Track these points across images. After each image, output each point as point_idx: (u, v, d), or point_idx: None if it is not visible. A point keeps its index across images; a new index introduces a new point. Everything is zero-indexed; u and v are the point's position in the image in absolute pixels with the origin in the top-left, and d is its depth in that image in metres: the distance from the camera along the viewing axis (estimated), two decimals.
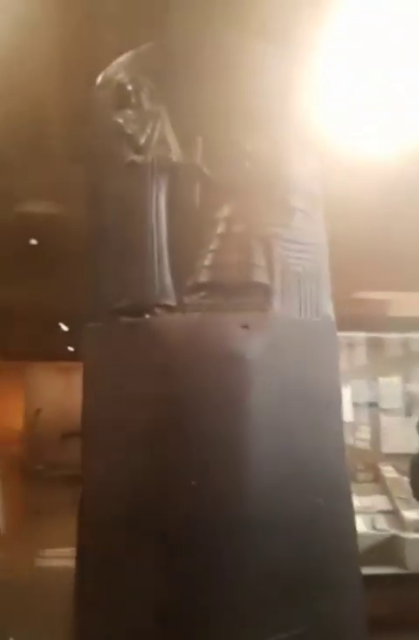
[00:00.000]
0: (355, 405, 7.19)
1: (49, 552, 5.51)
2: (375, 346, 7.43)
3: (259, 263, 1.70)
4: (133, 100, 1.67)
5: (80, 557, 1.70)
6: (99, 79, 1.78)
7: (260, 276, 1.69)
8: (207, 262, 1.67)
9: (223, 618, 1.55)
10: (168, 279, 1.66)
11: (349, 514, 1.80)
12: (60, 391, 12.21)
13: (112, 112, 1.69)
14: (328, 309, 1.80)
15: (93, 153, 1.77)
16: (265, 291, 1.68)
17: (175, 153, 1.67)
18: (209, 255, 1.68)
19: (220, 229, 1.69)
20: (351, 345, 7.75)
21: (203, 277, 1.67)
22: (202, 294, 1.66)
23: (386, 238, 5.05)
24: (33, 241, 5.92)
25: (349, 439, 6.98)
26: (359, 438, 6.96)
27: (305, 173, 1.81)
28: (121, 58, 1.75)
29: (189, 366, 1.61)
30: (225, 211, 1.70)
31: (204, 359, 1.61)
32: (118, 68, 1.74)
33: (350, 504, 1.83)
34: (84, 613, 1.67)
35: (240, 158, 1.71)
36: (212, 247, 1.68)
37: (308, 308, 1.74)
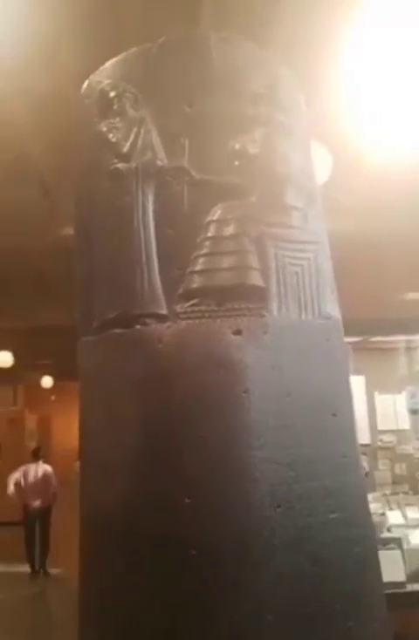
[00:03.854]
0: (416, 411, 6.85)
1: None
2: None
3: (254, 266, 1.61)
4: (115, 107, 1.64)
5: (82, 575, 1.66)
6: (84, 87, 1.76)
7: (255, 279, 1.61)
8: (198, 268, 1.61)
9: None
10: (158, 287, 1.60)
11: (366, 525, 1.67)
12: None
13: (96, 121, 1.66)
14: (332, 309, 1.69)
15: (79, 162, 1.75)
16: (261, 294, 1.60)
17: (161, 158, 1.62)
18: (201, 260, 1.61)
19: (211, 233, 1.62)
20: (408, 349, 7.42)
21: (195, 283, 1.60)
22: (195, 301, 1.59)
23: None
24: None
25: (407, 449, 6.67)
26: (418, 447, 6.62)
27: (301, 169, 1.72)
28: (105, 65, 1.73)
29: (182, 376, 1.55)
30: (216, 213, 1.63)
31: (196, 368, 1.55)
32: (101, 75, 1.72)
33: (368, 515, 1.70)
34: (84, 629, 1.63)
35: (229, 157, 1.64)
36: (203, 251, 1.61)
37: (309, 309, 1.64)
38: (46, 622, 5.95)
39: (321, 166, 3.48)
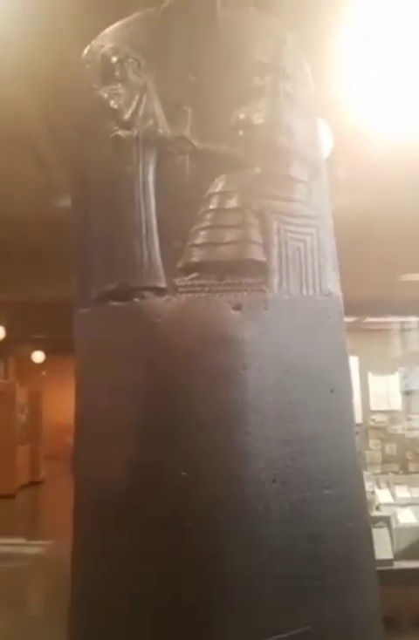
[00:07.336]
0: (408, 393, 6.88)
1: None
2: None
3: (255, 240, 1.59)
4: (117, 73, 1.59)
5: (74, 550, 1.65)
6: (85, 53, 1.71)
7: (256, 254, 1.58)
8: (199, 241, 1.58)
9: (221, 615, 1.47)
10: (157, 260, 1.58)
11: (360, 501, 1.67)
12: None
13: (96, 87, 1.62)
14: (333, 286, 1.67)
15: (78, 129, 1.71)
16: (262, 269, 1.58)
17: (163, 126, 1.58)
18: (202, 233, 1.58)
19: (213, 205, 1.59)
20: (401, 331, 7.44)
21: (195, 257, 1.57)
22: (194, 274, 1.57)
23: None
24: None
25: (398, 429, 6.72)
26: (408, 427, 6.67)
27: (306, 141, 1.68)
28: (107, 30, 1.68)
29: (180, 351, 1.53)
30: (219, 185, 1.60)
31: (195, 343, 1.53)
32: (103, 40, 1.67)
33: (362, 491, 1.71)
34: (78, 603, 1.63)
35: (233, 128, 1.60)
36: (205, 224, 1.58)
37: (310, 285, 1.62)
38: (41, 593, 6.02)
39: (323, 143, 3.44)
